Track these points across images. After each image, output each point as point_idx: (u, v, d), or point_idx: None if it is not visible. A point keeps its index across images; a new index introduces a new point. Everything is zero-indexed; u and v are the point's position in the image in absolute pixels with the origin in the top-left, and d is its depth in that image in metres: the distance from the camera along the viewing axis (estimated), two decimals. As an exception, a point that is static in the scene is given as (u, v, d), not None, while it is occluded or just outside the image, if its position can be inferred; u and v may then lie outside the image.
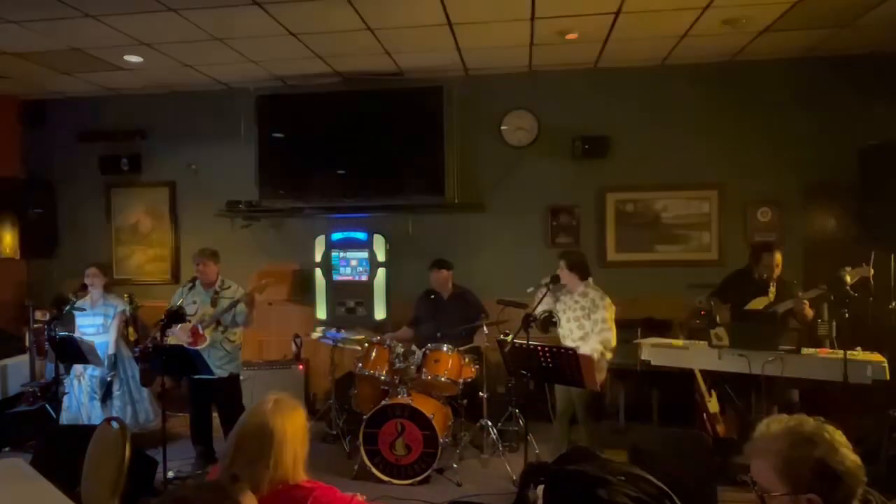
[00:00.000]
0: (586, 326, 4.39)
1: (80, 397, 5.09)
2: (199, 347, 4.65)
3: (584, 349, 4.11)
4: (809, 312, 4.44)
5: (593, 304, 4.32)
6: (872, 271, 4.15)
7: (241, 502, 1.43)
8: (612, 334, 4.27)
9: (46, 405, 5.40)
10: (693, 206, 5.97)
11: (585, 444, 4.23)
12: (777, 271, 4.57)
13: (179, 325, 4.54)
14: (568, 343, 4.37)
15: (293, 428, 1.94)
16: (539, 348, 3.67)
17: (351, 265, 6.11)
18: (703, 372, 4.61)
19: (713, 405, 4.58)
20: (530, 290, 4.47)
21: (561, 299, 4.49)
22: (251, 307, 4.75)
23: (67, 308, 5.14)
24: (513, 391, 5.04)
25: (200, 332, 4.72)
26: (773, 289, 4.55)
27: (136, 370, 5.27)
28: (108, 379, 5.05)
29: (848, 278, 4.01)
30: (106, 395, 5.04)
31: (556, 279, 4.35)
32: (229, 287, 4.91)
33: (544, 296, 4.37)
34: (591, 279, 4.47)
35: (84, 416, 5.05)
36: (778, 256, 4.57)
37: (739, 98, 5.84)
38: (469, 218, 6.12)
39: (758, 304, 4.55)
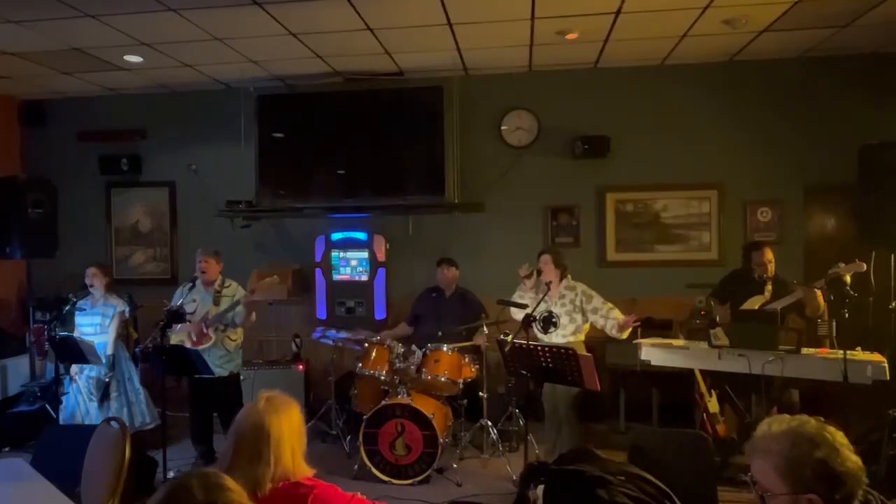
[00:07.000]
0: (577, 320, 4.46)
1: (77, 398, 5.08)
2: (203, 347, 4.64)
3: (607, 325, 4.38)
4: (822, 301, 4.34)
5: (585, 296, 4.49)
6: (865, 266, 4.14)
7: None
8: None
9: (46, 405, 5.41)
10: (693, 206, 5.97)
11: (568, 444, 4.24)
12: (770, 268, 4.57)
13: (180, 325, 4.54)
14: (560, 339, 4.44)
15: (289, 424, 1.94)
16: (539, 348, 3.68)
17: (351, 265, 6.12)
18: (703, 372, 4.60)
19: (713, 405, 4.58)
20: (516, 296, 4.63)
21: (545, 300, 4.48)
22: (248, 309, 4.73)
23: (67, 308, 5.13)
24: (513, 391, 5.08)
25: (205, 331, 4.71)
26: (769, 287, 4.55)
27: (134, 371, 5.24)
28: (106, 380, 5.02)
29: (847, 277, 4.00)
30: (104, 397, 5.02)
31: (538, 272, 4.50)
32: (229, 286, 4.90)
33: (544, 295, 4.37)
34: (569, 275, 4.63)
35: (80, 417, 5.02)
36: (768, 253, 4.58)
37: (739, 98, 5.84)
38: (469, 218, 6.11)
39: (753, 303, 4.55)
